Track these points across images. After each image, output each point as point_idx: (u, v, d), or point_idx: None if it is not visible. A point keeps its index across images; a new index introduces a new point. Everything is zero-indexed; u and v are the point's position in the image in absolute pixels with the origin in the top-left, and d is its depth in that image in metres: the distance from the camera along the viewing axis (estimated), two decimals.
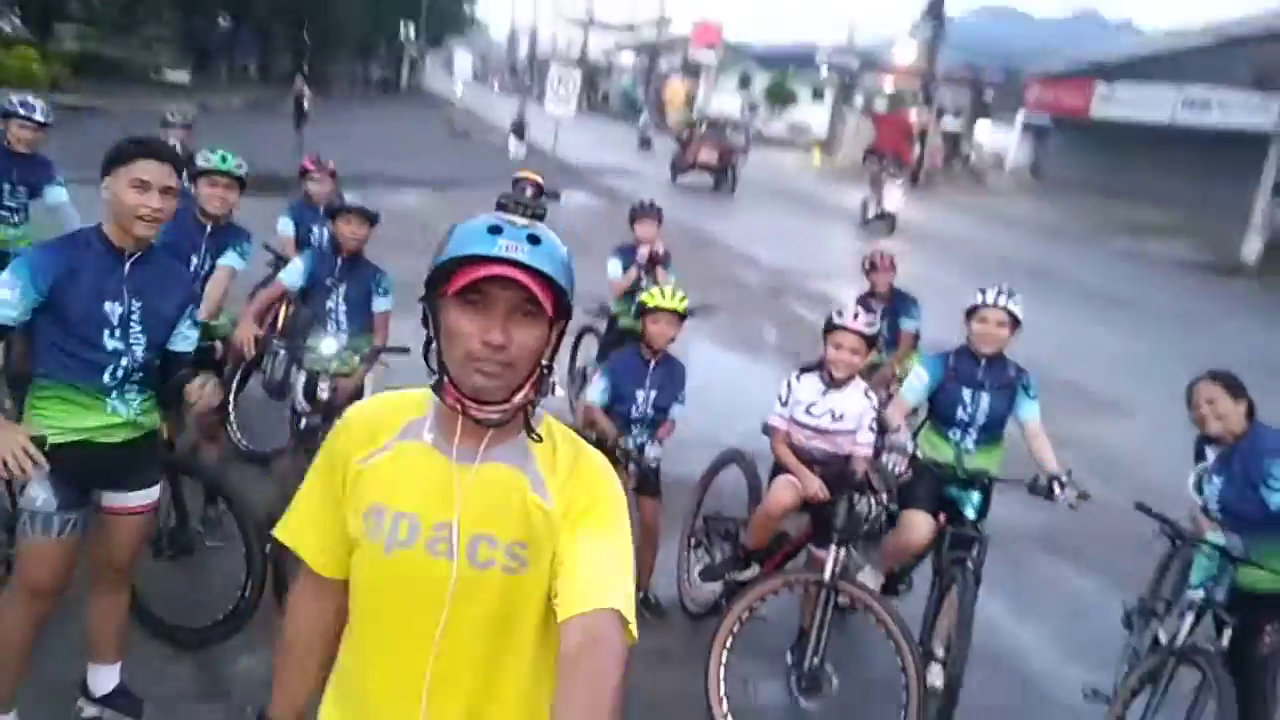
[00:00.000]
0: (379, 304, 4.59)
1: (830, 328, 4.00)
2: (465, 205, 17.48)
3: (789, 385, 4.09)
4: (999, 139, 42.26)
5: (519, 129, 24.55)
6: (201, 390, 2.93)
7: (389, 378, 5.15)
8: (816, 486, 3.84)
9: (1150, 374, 10.68)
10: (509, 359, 1.44)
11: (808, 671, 3.64)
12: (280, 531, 1.66)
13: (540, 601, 1.54)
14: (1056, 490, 3.84)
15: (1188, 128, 27.72)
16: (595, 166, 25.83)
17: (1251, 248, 21.66)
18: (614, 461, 4.19)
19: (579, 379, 6.84)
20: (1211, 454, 3.72)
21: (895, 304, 6.29)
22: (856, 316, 3.94)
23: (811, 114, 51.94)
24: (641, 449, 4.23)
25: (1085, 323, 13.48)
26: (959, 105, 40.44)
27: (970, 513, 3.93)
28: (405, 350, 4.19)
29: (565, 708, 1.30)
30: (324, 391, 4.15)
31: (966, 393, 4.11)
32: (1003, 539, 5.28)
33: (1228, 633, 3.48)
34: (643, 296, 4.46)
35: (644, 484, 4.42)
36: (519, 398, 1.49)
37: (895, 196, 20.70)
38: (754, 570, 4.09)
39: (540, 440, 1.56)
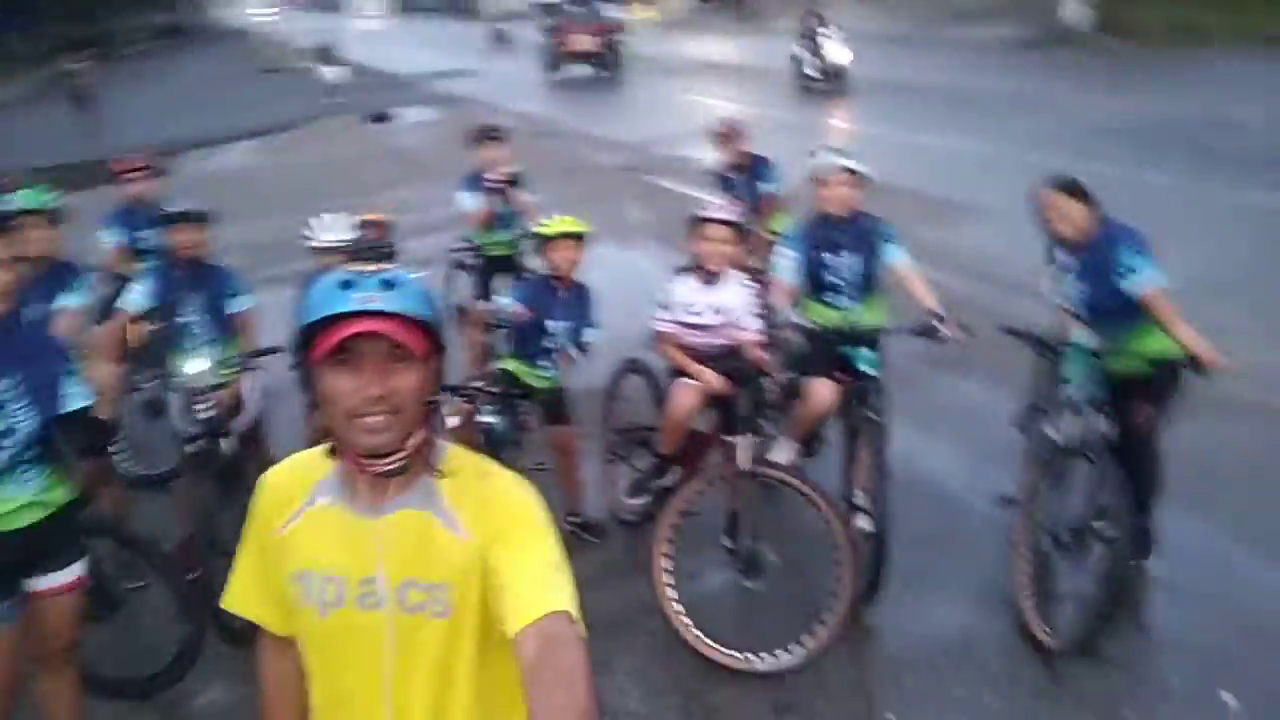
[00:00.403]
0: (237, 305, 4.41)
1: (696, 221, 4.03)
2: (294, 152, 16.87)
3: (667, 287, 4.12)
4: None
5: (326, 54, 22.54)
6: None
7: (272, 378, 5.01)
8: (717, 381, 3.93)
9: (997, 168, 11.08)
10: (392, 408, 1.43)
11: (745, 554, 3.82)
12: (227, 603, 1.71)
13: (475, 644, 1.56)
14: (939, 328, 4.03)
15: None
16: (428, 73, 24.74)
17: (1072, 11, 22.22)
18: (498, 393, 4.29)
19: (459, 313, 6.75)
20: (1062, 255, 3.92)
21: (753, 169, 6.34)
22: (721, 207, 3.98)
23: None
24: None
25: (927, 126, 13.76)
26: None
27: (866, 367, 4.10)
28: (277, 350, 4.07)
29: (544, 713, 1.31)
30: (203, 411, 4.01)
31: (830, 257, 4.25)
32: (894, 364, 5.56)
33: (1110, 423, 3.79)
34: (536, 228, 4.47)
35: (551, 413, 4.48)
36: (412, 442, 1.49)
37: (837, 48, 17.84)
38: (675, 473, 4.20)
39: (444, 476, 1.56)
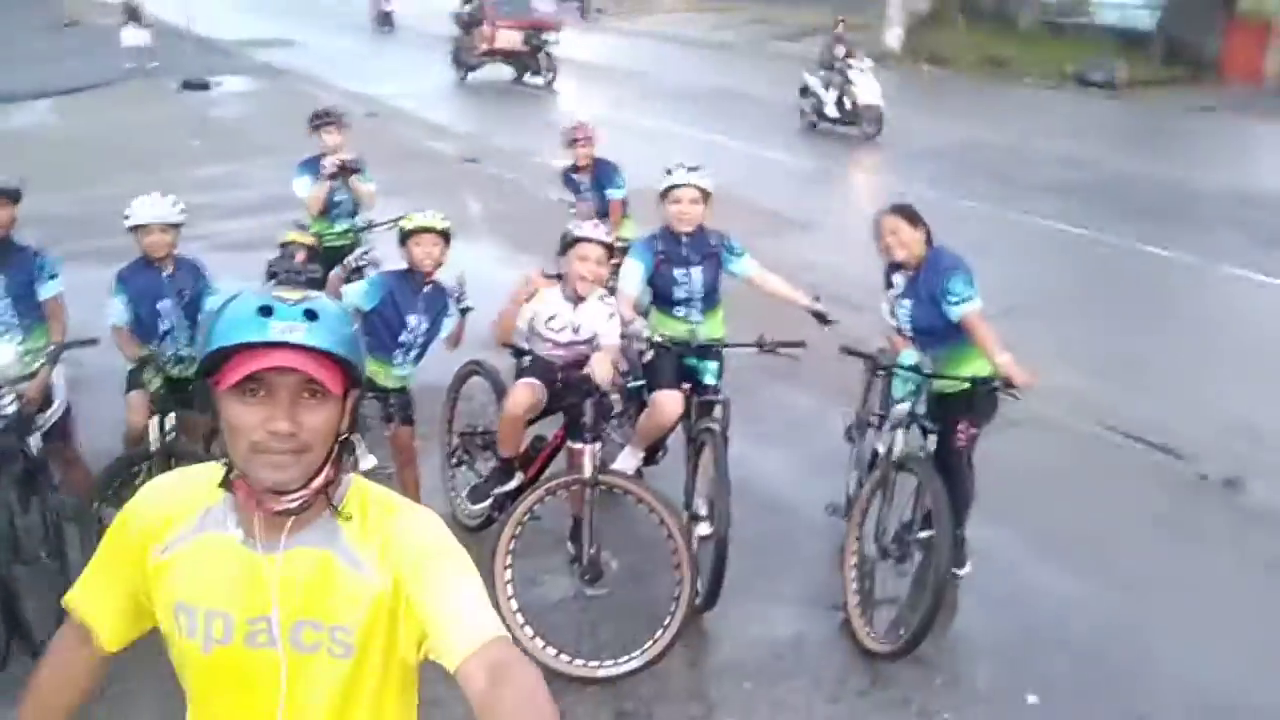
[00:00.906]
0: (46, 290, 4.05)
1: (572, 241, 4.00)
2: (96, 116, 15.51)
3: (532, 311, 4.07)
4: None
5: (133, 10, 19.70)
6: None
7: (79, 369, 4.65)
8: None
9: (825, 185, 11.64)
10: (300, 445, 1.36)
11: (587, 562, 3.86)
12: (72, 600, 1.58)
13: (377, 680, 1.51)
14: (825, 313, 4.40)
15: None
16: (248, 40, 23.36)
17: (893, 35, 23.58)
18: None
19: None
20: (899, 279, 4.16)
21: (599, 174, 6.38)
22: (595, 226, 4.02)
23: None
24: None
25: (765, 140, 14.14)
26: None
27: (710, 379, 4.23)
28: (93, 342, 3.79)
29: None
30: (7, 406, 3.66)
31: (679, 272, 4.35)
32: (732, 375, 5.74)
33: (932, 438, 4.07)
34: (401, 221, 4.34)
35: (396, 413, 4.36)
36: (318, 481, 1.41)
37: (869, 84, 13.99)
38: (518, 479, 4.19)
39: (349, 518, 1.49)
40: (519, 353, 4.21)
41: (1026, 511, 4.96)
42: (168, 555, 1.47)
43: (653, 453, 4.58)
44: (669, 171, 4.33)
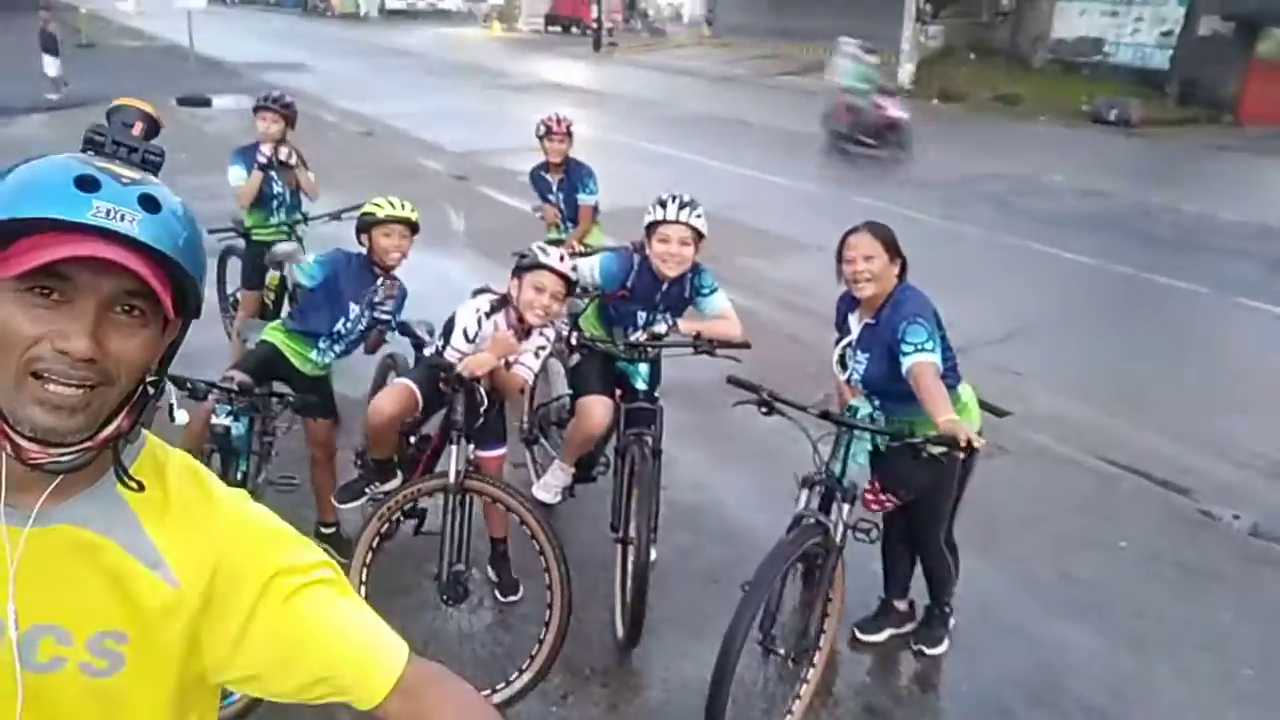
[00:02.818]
0: None
1: (528, 267, 3.48)
2: (79, 126, 15.23)
3: (479, 322, 3.53)
4: None
5: (50, 43, 17.24)
6: None
7: None
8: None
9: (825, 207, 11.27)
10: (100, 377, 0.96)
11: (447, 578, 3.31)
12: None
13: (147, 706, 1.09)
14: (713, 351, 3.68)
15: None
16: (255, 62, 23.37)
17: (904, 71, 23.37)
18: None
19: (231, 307, 6.07)
20: (854, 321, 3.41)
21: (570, 176, 5.97)
22: (562, 258, 3.49)
23: None
24: None
25: (768, 166, 13.92)
26: None
27: (641, 384, 3.73)
28: None
29: None
30: None
31: (641, 315, 3.85)
32: (697, 393, 5.30)
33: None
34: (368, 206, 3.88)
35: (310, 405, 3.90)
36: (108, 431, 1.00)
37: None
38: (398, 480, 3.70)
39: (141, 489, 1.05)
40: (581, 346, 3.76)
41: (1011, 546, 4.45)
42: None
43: (587, 468, 4.10)
44: (661, 204, 3.68)
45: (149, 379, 1.04)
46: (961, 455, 2.94)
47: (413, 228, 3.90)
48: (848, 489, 3.17)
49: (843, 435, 3.19)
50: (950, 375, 3.25)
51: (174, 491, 1.10)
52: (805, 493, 3.21)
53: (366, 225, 3.87)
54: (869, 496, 3.27)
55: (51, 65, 17.41)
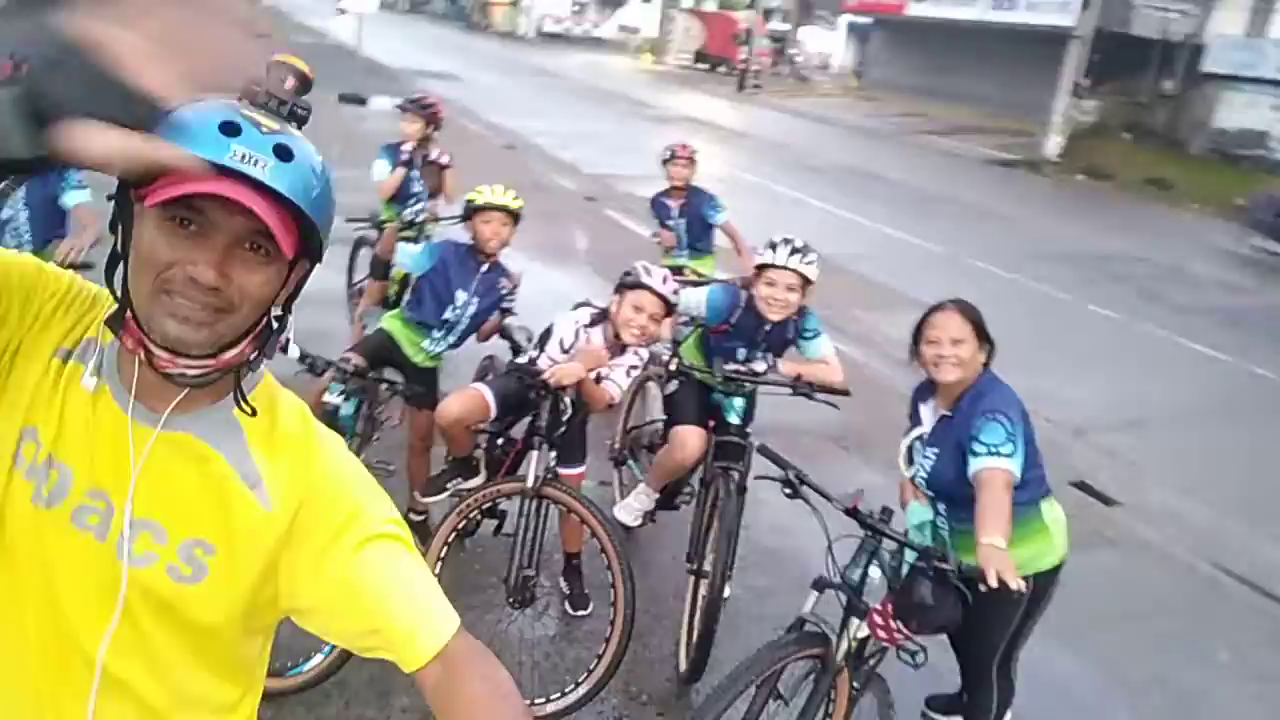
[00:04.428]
0: (71, 198, 3.94)
1: (629, 285, 3.52)
2: None
3: (576, 334, 3.61)
4: (825, 41, 42.68)
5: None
6: None
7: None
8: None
9: (950, 268, 11.04)
10: (223, 304, 1.05)
11: (515, 582, 3.34)
12: None
13: (224, 629, 1.17)
14: (817, 396, 3.65)
15: (997, 25, 28.54)
16: (413, 69, 24.40)
17: (1053, 143, 22.73)
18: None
19: (357, 295, 6.32)
20: (927, 412, 3.09)
21: (692, 202, 6.05)
22: (665, 280, 3.52)
23: (641, 15, 50.92)
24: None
25: (896, 221, 13.74)
26: (786, 7, 40.46)
27: (734, 418, 3.72)
28: (88, 266, 3.61)
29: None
30: None
31: (742, 351, 3.83)
32: (798, 440, 5.24)
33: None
34: (469, 195, 4.03)
35: (418, 396, 4.02)
36: (231, 354, 1.09)
37: None
38: (482, 477, 3.77)
39: (254, 414, 1.15)
40: (679, 372, 3.79)
41: (1104, 641, 4.23)
42: (55, 360, 1.11)
43: (671, 495, 4.10)
44: (772, 246, 3.64)
45: (273, 314, 1.12)
46: (984, 589, 2.39)
47: (514, 216, 3.98)
48: (865, 604, 2.71)
49: (868, 541, 2.76)
50: (1031, 488, 2.81)
51: (281, 423, 1.19)
52: (815, 596, 2.81)
53: (469, 213, 3.99)
54: (876, 620, 2.64)
55: None
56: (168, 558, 1.11)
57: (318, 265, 1.17)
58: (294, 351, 3.40)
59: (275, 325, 1.13)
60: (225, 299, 1.04)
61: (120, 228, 1.07)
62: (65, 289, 1.13)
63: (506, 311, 4.17)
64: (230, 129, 1.01)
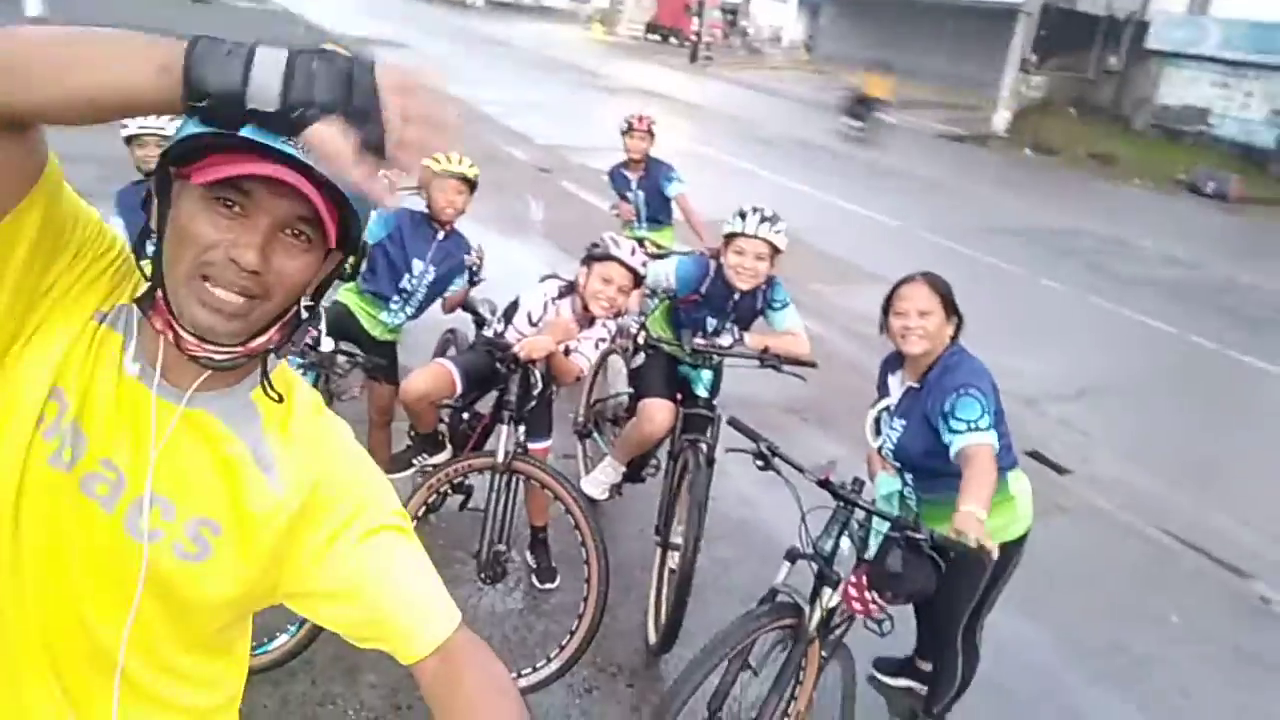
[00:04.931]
0: None
1: (598, 257, 3.46)
2: None
3: (545, 307, 3.57)
4: (777, 14, 42.63)
5: None
6: None
7: None
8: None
9: (904, 241, 11.16)
10: (261, 289, 1.03)
11: (486, 557, 3.31)
12: None
13: (220, 610, 1.16)
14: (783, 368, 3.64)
15: (947, 2, 28.73)
16: (360, 37, 23.86)
17: (1000, 117, 23.03)
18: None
19: None
20: (895, 383, 3.08)
21: (650, 174, 6.01)
22: (633, 252, 3.46)
23: None
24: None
25: (849, 194, 13.84)
26: None
27: (702, 391, 3.72)
28: None
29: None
30: None
31: (711, 322, 3.81)
32: (759, 411, 5.26)
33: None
34: (425, 161, 3.92)
35: (379, 369, 3.95)
36: (259, 341, 1.07)
37: None
38: (448, 454, 3.73)
39: (280, 400, 1.14)
40: (648, 345, 3.77)
41: (1060, 607, 4.33)
42: (101, 324, 1.08)
43: (638, 468, 4.10)
44: (741, 215, 3.64)
45: (303, 303, 1.11)
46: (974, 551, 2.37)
47: (470, 184, 3.91)
48: (836, 574, 2.70)
49: (840, 511, 2.73)
50: (1000, 459, 2.75)
51: (296, 410, 1.18)
52: (787, 566, 2.78)
53: (422, 178, 3.92)
54: (851, 593, 2.61)
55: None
56: (174, 535, 1.10)
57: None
58: (326, 344, 3.36)
59: (305, 315, 1.12)
60: (262, 284, 1.03)
61: (156, 205, 1.04)
62: (117, 254, 1.10)
63: (475, 283, 4.10)
64: None
